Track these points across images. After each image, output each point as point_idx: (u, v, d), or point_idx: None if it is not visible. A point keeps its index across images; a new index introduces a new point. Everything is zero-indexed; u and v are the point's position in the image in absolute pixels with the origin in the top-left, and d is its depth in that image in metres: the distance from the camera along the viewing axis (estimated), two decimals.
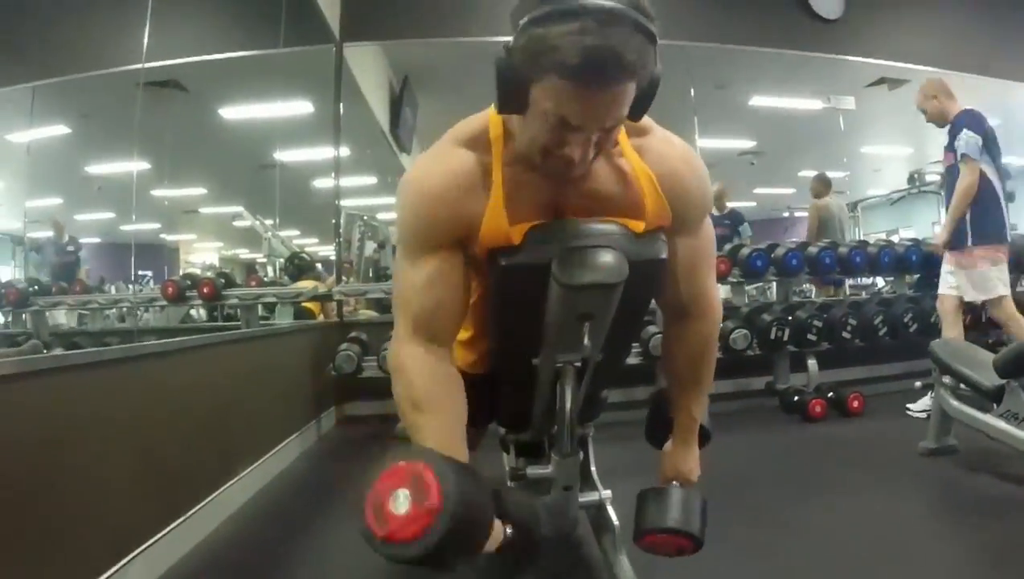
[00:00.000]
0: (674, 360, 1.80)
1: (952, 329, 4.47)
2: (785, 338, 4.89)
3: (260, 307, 5.32)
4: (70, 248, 6.68)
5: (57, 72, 5.37)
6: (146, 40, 4.19)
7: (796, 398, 4.74)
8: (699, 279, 1.69)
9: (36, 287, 5.53)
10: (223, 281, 5.13)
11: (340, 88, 5.92)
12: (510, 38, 1.29)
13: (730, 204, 7.67)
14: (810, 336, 4.93)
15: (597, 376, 1.68)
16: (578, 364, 1.61)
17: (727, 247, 5.41)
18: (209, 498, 3.00)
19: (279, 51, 5.81)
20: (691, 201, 1.57)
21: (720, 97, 7.44)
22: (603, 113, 1.28)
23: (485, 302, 1.73)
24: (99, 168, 7.90)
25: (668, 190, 1.52)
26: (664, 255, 1.52)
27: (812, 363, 5.00)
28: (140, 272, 9.25)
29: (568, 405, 1.62)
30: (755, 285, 6.18)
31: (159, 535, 2.54)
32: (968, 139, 4.35)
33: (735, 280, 5.24)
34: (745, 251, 5.16)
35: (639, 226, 1.50)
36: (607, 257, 1.41)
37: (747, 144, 8.71)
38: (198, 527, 2.85)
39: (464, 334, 1.95)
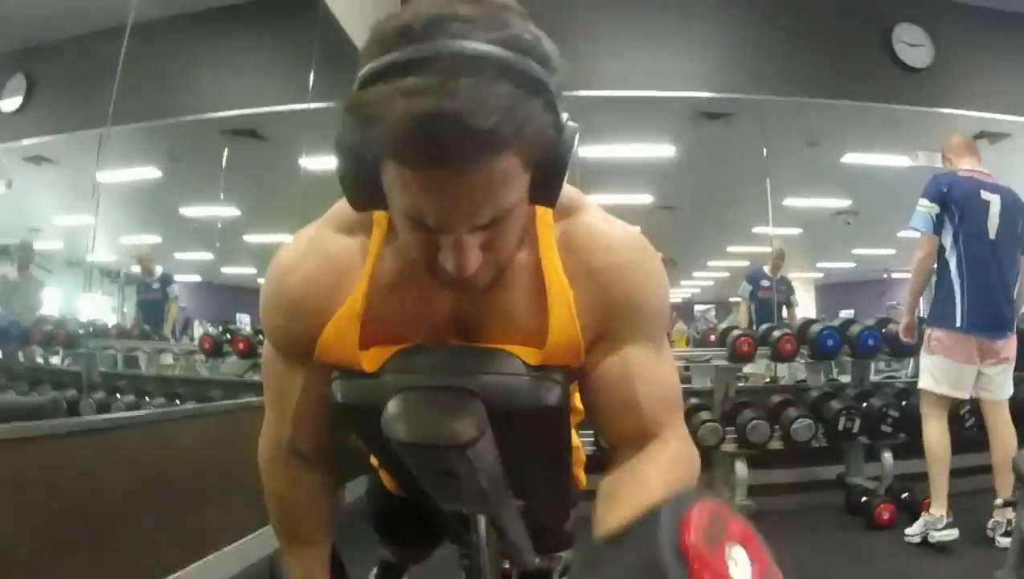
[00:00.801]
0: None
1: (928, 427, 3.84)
2: (856, 430, 4.40)
3: None
4: (155, 285, 6.71)
5: (144, 117, 5.46)
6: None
7: (863, 499, 4.21)
8: (668, 405, 1.17)
9: (91, 329, 5.58)
10: (260, 338, 5.04)
11: None
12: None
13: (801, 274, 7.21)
14: (884, 427, 4.42)
15: (533, 517, 1.36)
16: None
17: (796, 322, 4.97)
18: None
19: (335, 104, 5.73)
20: (640, 305, 1.14)
21: (811, 155, 6.94)
22: (465, 207, 0.89)
23: None
24: (192, 211, 8.10)
25: (608, 289, 1.11)
26: (553, 401, 1.08)
27: (887, 457, 4.48)
28: (239, 314, 9.49)
29: (484, 557, 1.29)
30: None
31: None
32: (917, 209, 3.85)
33: (803, 361, 4.78)
34: (815, 328, 4.71)
35: (535, 357, 1.09)
36: (449, 406, 1.04)
37: (842, 203, 8.10)
38: None
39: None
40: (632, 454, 1.15)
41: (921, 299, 4.10)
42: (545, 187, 0.96)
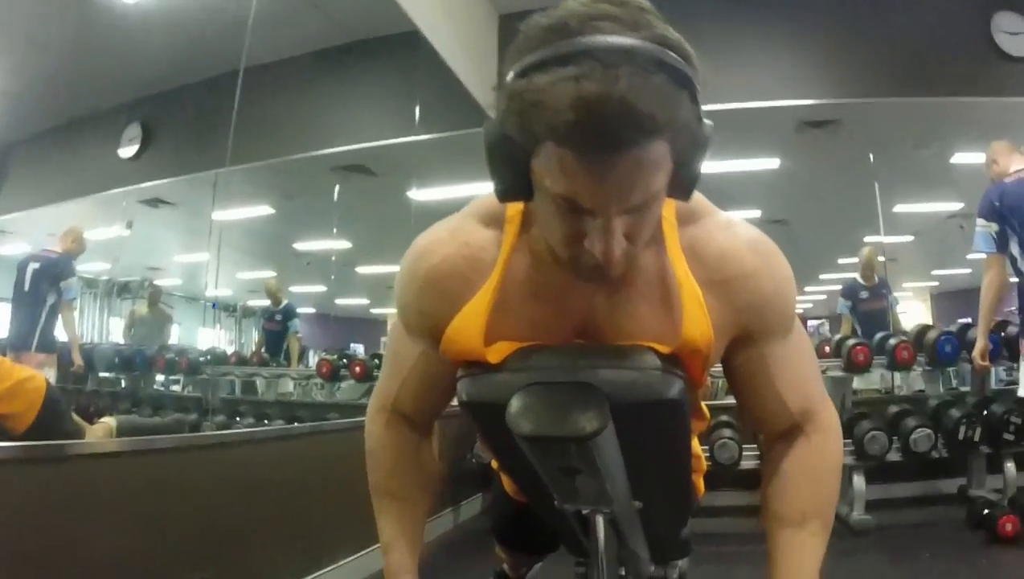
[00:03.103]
0: (785, 490, 1.29)
1: None
2: (976, 438, 4.22)
3: None
4: (278, 317, 6.95)
5: (258, 157, 5.69)
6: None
7: (986, 512, 3.99)
8: (806, 389, 1.28)
9: (208, 357, 5.82)
10: (376, 362, 5.20)
11: None
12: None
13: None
14: (1007, 435, 4.21)
15: (651, 522, 1.37)
16: (608, 511, 1.24)
17: (912, 329, 4.83)
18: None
19: (444, 135, 5.87)
20: (769, 307, 1.19)
21: (919, 158, 6.71)
22: (621, 188, 0.92)
23: None
24: (305, 245, 8.37)
25: (736, 297, 1.16)
26: (674, 395, 1.08)
27: (1010, 468, 4.26)
28: (353, 344, 9.76)
29: (601, 558, 1.26)
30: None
31: None
32: (975, 230, 3.74)
33: (920, 369, 4.65)
34: (932, 334, 4.57)
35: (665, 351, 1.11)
36: (572, 400, 1.05)
37: (954, 206, 7.79)
38: None
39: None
40: (783, 450, 1.30)
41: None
42: (682, 180, 1.00)
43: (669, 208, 1.15)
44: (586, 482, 1.13)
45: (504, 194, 1.04)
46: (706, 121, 0.97)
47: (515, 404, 1.07)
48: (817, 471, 1.29)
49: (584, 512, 1.24)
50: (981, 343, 3.97)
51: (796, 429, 1.29)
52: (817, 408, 1.29)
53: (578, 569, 1.64)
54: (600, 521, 1.23)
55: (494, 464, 1.72)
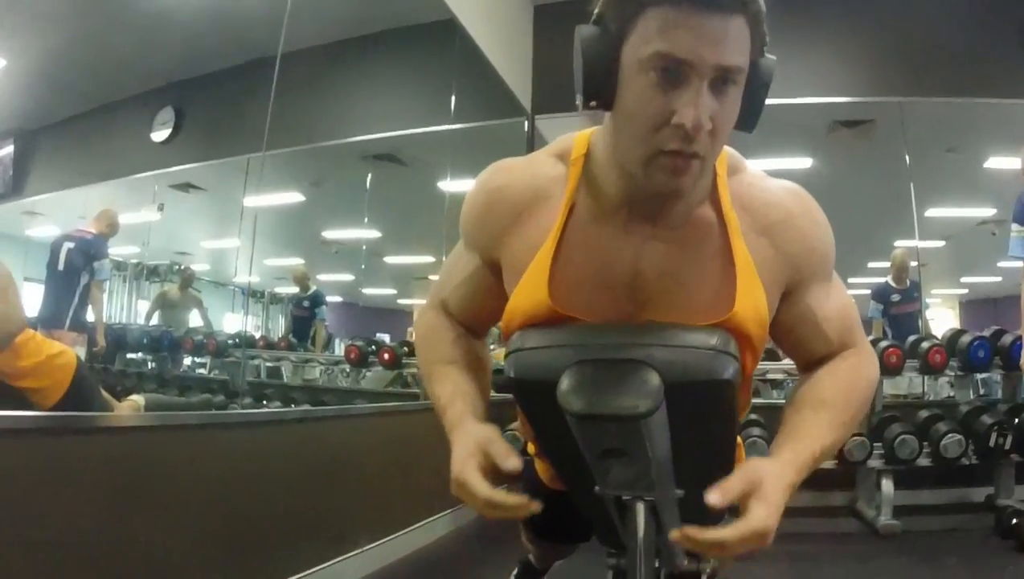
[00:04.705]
0: (809, 384, 1.28)
1: None
2: (1007, 446, 4.18)
3: None
4: (305, 303, 6.97)
5: (288, 143, 5.68)
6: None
7: (1015, 521, 3.93)
8: (847, 326, 1.31)
9: (237, 340, 5.84)
10: (405, 350, 5.18)
11: None
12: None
13: None
14: None
15: (690, 512, 1.27)
16: (649, 499, 1.20)
17: (945, 333, 4.78)
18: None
19: (479, 124, 5.87)
20: (814, 250, 1.23)
21: (952, 161, 6.65)
22: (718, 41, 0.98)
23: None
24: (333, 233, 8.38)
25: (783, 242, 1.20)
26: (729, 376, 1.07)
27: None
28: (380, 334, 9.78)
29: (639, 547, 1.20)
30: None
31: None
32: (1011, 236, 3.67)
33: (952, 374, 4.61)
34: (965, 338, 4.52)
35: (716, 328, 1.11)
36: (624, 378, 1.03)
37: (986, 212, 7.63)
38: None
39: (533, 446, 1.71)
40: (817, 367, 1.31)
41: None
42: (749, 110, 1.08)
43: (721, 163, 1.20)
44: (631, 466, 1.11)
45: (588, 94, 1.07)
46: (769, 56, 1.08)
47: (566, 381, 1.05)
48: (845, 379, 1.28)
49: (624, 498, 1.21)
50: None
51: (833, 354, 1.31)
52: (857, 341, 1.33)
53: (609, 560, 1.60)
54: (640, 508, 1.19)
55: (530, 449, 1.71)
